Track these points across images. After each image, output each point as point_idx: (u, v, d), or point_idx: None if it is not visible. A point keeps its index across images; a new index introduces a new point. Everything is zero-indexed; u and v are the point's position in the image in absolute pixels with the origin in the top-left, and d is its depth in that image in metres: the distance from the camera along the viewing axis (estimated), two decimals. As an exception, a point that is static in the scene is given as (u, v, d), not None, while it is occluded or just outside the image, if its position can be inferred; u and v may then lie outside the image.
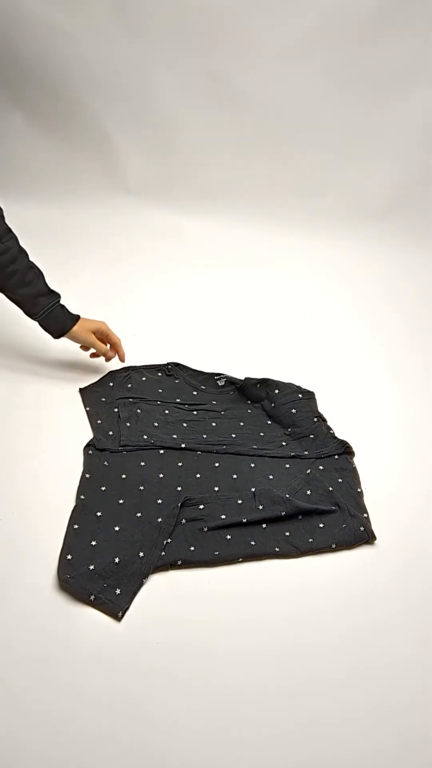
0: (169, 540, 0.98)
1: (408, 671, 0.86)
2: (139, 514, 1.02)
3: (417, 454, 1.24)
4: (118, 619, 0.89)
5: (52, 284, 1.20)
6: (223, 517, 1.03)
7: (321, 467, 1.15)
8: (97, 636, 0.87)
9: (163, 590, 0.94)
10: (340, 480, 1.12)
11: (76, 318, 1.23)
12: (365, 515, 1.06)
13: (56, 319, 1.21)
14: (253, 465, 1.15)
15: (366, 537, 1.03)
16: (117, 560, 0.94)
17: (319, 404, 1.28)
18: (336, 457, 1.17)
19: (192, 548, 0.98)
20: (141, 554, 0.96)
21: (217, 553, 0.98)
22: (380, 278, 1.84)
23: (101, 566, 0.93)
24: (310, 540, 1.02)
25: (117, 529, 0.99)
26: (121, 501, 1.04)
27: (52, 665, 0.83)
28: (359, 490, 1.11)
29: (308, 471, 1.13)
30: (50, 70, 1.82)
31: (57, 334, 1.22)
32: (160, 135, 1.94)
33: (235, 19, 1.72)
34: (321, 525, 1.04)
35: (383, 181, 1.96)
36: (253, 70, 1.80)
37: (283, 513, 1.03)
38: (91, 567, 0.93)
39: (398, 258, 1.90)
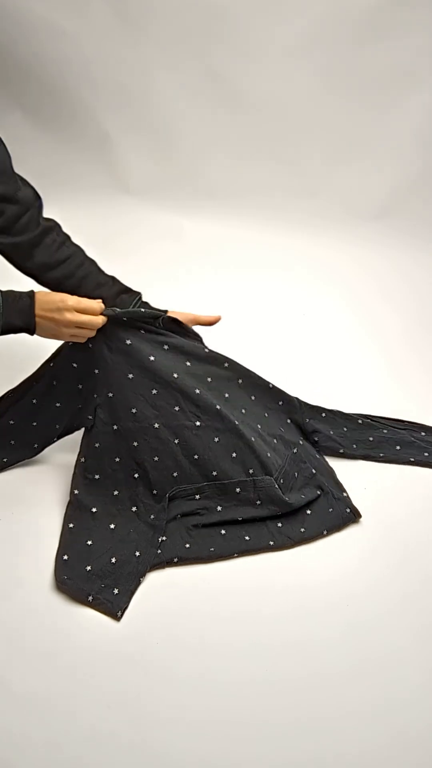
0: (164, 538, 0.99)
1: (406, 665, 0.87)
2: (134, 509, 1.02)
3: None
4: (118, 618, 0.89)
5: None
6: (219, 509, 1.04)
7: (300, 442, 1.16)
8: (97, 634, 0.88)
9: (162, 587, 0.95)
10: (317, 455, 1.16)
11: (164, 312, 1.14)
12: (345, 494, 1.09)
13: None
14: (244, 411, 1.13)
15: (353, 517, 1.05)
16: (114, 560, 0.95)
17: (319, 403, 1.29)
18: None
19: (187, 545, 0.99)
20: (137, 553, 0.96)
21: (212, 549, 0.99)
22: (377, 278, 1.84)
23: (98, 566, 0.94)
24: (302, 530, 1.03)
25: (112, 527, 1.00)
26: (116, 492, 1.03)
27: (53, 663, 0.84)
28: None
29: (295, 450, 1.14)
30: (50, 70, 1.82)
31: None
32: (161, 135, 1.94)
33: (235, 20, 1.72)
34: (309, 512, 1.06)
35: (381, 183, 1.97)
36: (253, 72, 1.81)
37: (279, 513, 1.04)
38: (88, 568, 0.93)
39: (395, 258, 1.91)
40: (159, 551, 0.97)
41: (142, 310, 1.06)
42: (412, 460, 1.20)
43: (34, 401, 1.06)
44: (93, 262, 1.15)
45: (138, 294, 1.17)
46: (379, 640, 0.90)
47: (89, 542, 0.97)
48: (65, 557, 0.95)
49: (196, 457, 1.05)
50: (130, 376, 1.02)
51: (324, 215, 1.97)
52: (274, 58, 1.79)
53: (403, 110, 1.86)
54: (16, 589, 0.92)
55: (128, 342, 1.02)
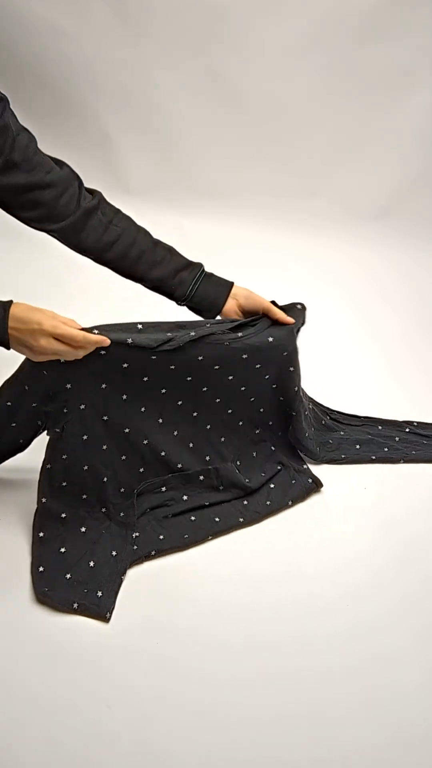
0: (137, 534, 1.00)
1: (405, 663, 0.87)
2: (103, 510, 1.02)
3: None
4: (107, 620, 0.89)
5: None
6: (185, 498, 1.06)
7: (262, 410, 1.15)
8: (94, 634, 0.88)
9: (156, 585, 0.95)
10: (279, 432, 1.17)
11: (230, 284, 1.06)
12: (306, 466, 1.16)
13: (206, 292, 1.04)
14: (218, 400, 1.08)
15: (315, 487, 1.13)
16: (92, 564, 0.95)
17: (319, 402, 1.29)
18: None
19: (161, 537, 1.01)
20: (114, 553, 0.97)
21: (186, 536, 1.02)
22: (377, 278, 1.84)
23: (77, 573, 0.93)
24: (268, 503, 1.10)
25: (83, 530, 0.99)
26: (84, 496, 1.01)
27: (51, 664, 0.84)
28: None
29: (257, 431, 1.16)
30: (50, 70, 1.82)
31: (213, 312, 1.06)
32: (161, 135, 1.94)
33: (235, 19, 1.72)
34: (272, 486, 1.12)
35: (381, 183, 1.96)
36: (253, 72, 1.80)
37: (241, 495, 1.10)
38: (68, 576, 0.93)
39: (395, 258, 1.91)
40: (135, 547, 0.98)
41: (154, 340, 0.94)
42: (374, 457, 1.21)
43: (9, 404, 0.98)
44: (146, 235, 1.04)
45: (199, 267, 1.06)
46: (378, 639, 0.90)
47: (62, 549, 0.96)
48: (41, 569, 0.94)
49: (162, 453, 1.05)
50: (104, 386, 0.96)
51: (324, 215, 1.97)
52: (274, 58, 1.78)
53: (403, 110, 1.86)
54: (12, 592, 0.92)
55: (102, 352, 0.91)
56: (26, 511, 1.02)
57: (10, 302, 0.86)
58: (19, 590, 0.92)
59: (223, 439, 1.12)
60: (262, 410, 1.15)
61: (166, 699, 0.81)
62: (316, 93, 1.84)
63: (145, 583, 0.95)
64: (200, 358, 1.00)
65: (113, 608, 0.90)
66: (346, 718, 0.80)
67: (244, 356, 1.02)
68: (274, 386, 1.13)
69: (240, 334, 1.01)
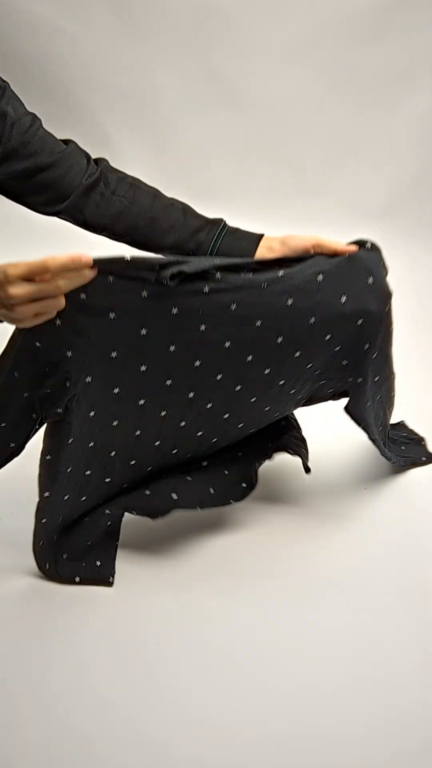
0: (148, 492, 0.96)
1: (405, 662, 0.87)
2: (108, 480, 0.96)
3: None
4: (110, 584, 0.93)
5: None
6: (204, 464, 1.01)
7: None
8: (95, 634, 0.88)
9: (162, 585, 0.95)
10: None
11: (259, 236, 0.94)
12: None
13: (229, 251, 0.93)
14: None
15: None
16: (89, 543, 0.95)
17: (319, 403, 1.29)
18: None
19: (147, 492, 0.96)
20: (107, 511, 0.96)
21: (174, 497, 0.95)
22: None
23: (74, 549, 0.94)
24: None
25: (83, 499, 0.94)
26: (88, 472, 0.92)
27: (52, 662, 0.84)
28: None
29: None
30: (50, 70, 1.82)
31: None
32: (160, 135, 1.94)
33: (234, 19, 1.72)
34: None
35: (381, 183, 1.96)
36: (253, 71, 1.81)
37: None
38: (64, 556, 0.94)
39: (395, 258, 1.89)
40: (147, 492, 0.96)
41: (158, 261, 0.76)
42: None
43: None
44: (155, 199, 0.96)
45: (218, 225, 0.95)
46: (378, 640, 0.90)
47: (60, 518, 0.93)
48: (41, 543, 0.93)
49: (183, 424, 0.90)
50: (114, 354, 0.81)
51: (324, 215, 1.97)
52: (274, 58, 1.79)
53: (403, 110, 1.86)
54: (16, 588, 0.92)
55: (112, 316, 0.77)
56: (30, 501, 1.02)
57: None
58: (17, 591, 0.92)
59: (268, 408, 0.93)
60: (331, 389, 0.96)
61: (166, 699, 0.81)
62: (316, 93, 1.84)
63: (144, 585, 0.95)
64: (233, 307, 0.80)
65: (114, 571, 0.94)
66: (349, 722, 0.80)
67: (289, 302, 0.82)
68: (338, 348, 0.89)
69: (281, 273, 0.81)
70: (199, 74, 1.83)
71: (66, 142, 0.96)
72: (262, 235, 0.94)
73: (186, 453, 0.98)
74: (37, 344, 0.77)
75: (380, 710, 0.80)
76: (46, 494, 0.88)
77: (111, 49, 1.80)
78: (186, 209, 0.96)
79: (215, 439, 0.96)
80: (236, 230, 0.95)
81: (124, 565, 0.98)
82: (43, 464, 0.86)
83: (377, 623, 0.91)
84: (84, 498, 0.95)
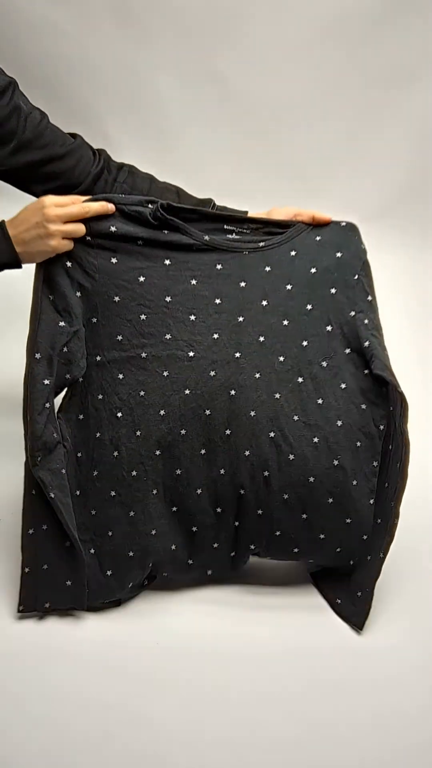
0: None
1: (404, 661, 0.87)
2: (116, 453, 0.93)
3: (413, 453, 1.24)
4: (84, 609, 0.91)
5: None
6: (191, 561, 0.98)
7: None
8: (94, 641, 0.88)
9: (161, 598, 0.95)
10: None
11: (244, 213, 1.06)
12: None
13: None
14: (262, 338, 0.94)
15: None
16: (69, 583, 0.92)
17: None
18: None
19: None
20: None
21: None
22: (378, 278, 1.84)
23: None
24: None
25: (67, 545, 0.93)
26: (98, 434, 0.94)
27: (51, 668, 0.84)
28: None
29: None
30: (49, 70, 1.82)
31: None
32: (161, 135, 1.94)
33: (235, 19, 1.72)
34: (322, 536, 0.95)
35: (381, 183, 1.96)
36: (253, 72, 1.81)
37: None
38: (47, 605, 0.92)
39: (395, 258, 1.91)
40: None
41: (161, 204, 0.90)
42: None
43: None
44: (152, 183, 1.07)
45: (207, 204, 1.08)
46: (377, 641, 0.90)
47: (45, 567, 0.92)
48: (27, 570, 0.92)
49: (187, 392, 0.93)
50: (116, 299, 0.91)
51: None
52: (275, 58, 1.79)
53: (404, 110, 1.86)
54: (15, 592, 0.92)
55: (114, 260, 0.90)
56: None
57: (2, 221, 0.90)
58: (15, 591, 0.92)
59: (278, 396, 0.94)
60: (325, 364, 0.97)
61: (166, 698, 0.81)
62: (316, 93, 1.84)
63: (154, 596, 0.95)
64: (219, 266, 0.92)
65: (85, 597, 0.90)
66: (347, 729, 0.80)
67: (267, 269, 0.95)
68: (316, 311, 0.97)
69: (261, 244, 0.94)
70: (199, 74, 1.83)
71: (72, 135, 1.06)
72: (246, 212, 1.07)
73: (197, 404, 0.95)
74: (50, 297, 0.89)
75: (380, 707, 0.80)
76: (31, 531, 0.93)
77: (111, 49, 1.80)
78: (179, 191, 1.08)
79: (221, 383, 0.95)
80: (224, 209, 1.08)
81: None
82: (71, 462, 0.94)
83: (376, 623, 0.92)
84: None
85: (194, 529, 0.93)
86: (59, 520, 0.89)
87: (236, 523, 0.93)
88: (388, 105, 1.86)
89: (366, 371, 0.97)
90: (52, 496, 0.88)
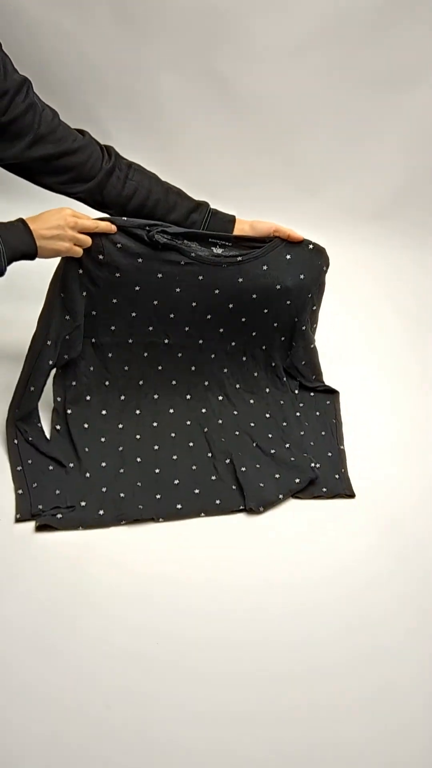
0: (122, 494, 1.07)
1: (404, 661, 0.87)
2: (104, 412, 1.17)
3: (413, 453, 1.24)
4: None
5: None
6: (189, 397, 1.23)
7: (302, 404, 1.28)
8: (97, 629, 0.88)
9: (163, 583, 0.95)
10: (323, 433, 1.23)
11: (233, 218, 1.17)
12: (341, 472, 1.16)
13: (214, 230, 1.15)
14: (222, 330, 1.20)
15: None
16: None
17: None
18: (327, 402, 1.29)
19: (158, 496, 1.08)
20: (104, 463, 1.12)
21: (179, 507, 1.07)
22: (377, 278, 1.84)
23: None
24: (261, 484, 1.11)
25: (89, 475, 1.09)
26: (88, 398, 1.17)
27: (54, 655, 0.84)
28: (341, 447, 1.21)
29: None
30: (50, 70, 1.82)
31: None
32: (160, 135, 1.94)
33: (236, 19, 1.72)
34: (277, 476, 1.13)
35: (381, 183, 1.96)
36: (254, 71, 1.80)
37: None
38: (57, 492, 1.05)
39: (395, 258, 1.91)
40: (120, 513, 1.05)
41: (166, 229, 1.08)
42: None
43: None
44: (157, 183, 1.15)
45: (206, 207, 1.17)
46: (377, 638, 0.90)
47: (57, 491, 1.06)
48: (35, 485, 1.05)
49: (159, 368, 1.20)
50: (114, 301, 1.12)
51: (325, 214, 1.97)
52: (275, 58, 1.78)
53: (404, 110, 1.86)
54: (19, 584, 0.92)
55: (117, 275, 1.09)
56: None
57: (20, 219, 0.99)
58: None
59: (226, 370, 1.24)
60: (264, 348, 1.25)
61: (166, 698, 0.81)
62: (316, 93, 1.84)
63: (144, 586, 0.95)
64: (201, 277, 1.12)
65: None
66: (346, 716, 0.80)
67: (240, 280, 1.15)
68: (274, 323, 1.23)
69: (240, 259, 1.13)
70: (199, 74, 1.83)
71: (81, 131, 1.11)
72: (234, 217, 1.17)
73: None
74: (62, 295, 1.09)
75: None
76: (58, 427, 1.15)
77: (111, 49, 1.79)
78: (180, 192, 1.16)
79: (193, 367, 1.23)
80: (217, 212, 1.17)
81: (125, 559, 0.98)
82: (57, 404, 1.17)
83: (376, 621, 0.92)
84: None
85: (157, 470, 1.13)
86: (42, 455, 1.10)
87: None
88: (388, 105, 1.86)
89: (288, 353, 1.28)
90: (30, 439, 1.10)
